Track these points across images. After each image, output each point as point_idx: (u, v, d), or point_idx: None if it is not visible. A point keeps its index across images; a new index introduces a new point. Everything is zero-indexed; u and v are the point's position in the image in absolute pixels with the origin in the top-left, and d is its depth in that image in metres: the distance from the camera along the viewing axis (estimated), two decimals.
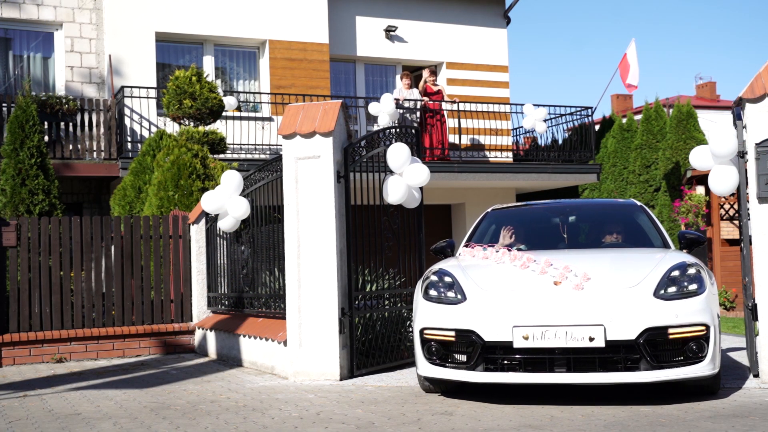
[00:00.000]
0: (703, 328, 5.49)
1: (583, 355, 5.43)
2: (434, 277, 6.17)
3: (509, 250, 6.46)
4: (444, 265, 6.44)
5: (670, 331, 5.43)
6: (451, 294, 5.96)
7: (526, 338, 5.48)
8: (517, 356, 5.56)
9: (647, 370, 5.39)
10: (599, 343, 5.38)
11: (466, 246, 7.06)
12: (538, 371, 5.51)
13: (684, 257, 6.04)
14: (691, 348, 5.47)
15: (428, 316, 5.98)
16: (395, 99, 14.27)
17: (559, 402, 5.77)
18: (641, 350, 5.38)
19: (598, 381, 5.45)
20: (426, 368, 5.98)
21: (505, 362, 5.60)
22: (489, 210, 7.84)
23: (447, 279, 6.08)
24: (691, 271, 5.76)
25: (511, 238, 7.06)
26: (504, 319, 5.59)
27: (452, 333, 5.78)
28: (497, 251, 6.52)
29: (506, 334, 5.55)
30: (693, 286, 5.64)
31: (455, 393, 6.22)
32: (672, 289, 5.60)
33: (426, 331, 5.96)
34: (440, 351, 5.88)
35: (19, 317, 9.17)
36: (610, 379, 5.42)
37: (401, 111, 14.35)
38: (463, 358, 5.76)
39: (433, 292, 6.07)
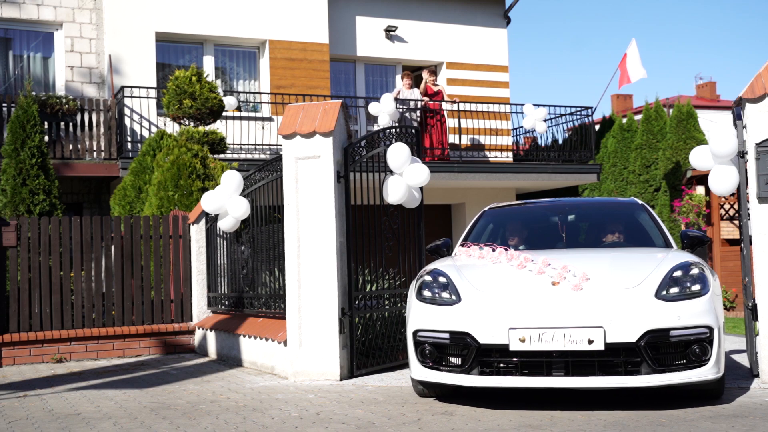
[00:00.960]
0: (706, 330, 5.34)
1: (582, 358, 5.28)
2: (428, 277, 6.03)
3: (506, 250, 6.33)
4: (439, 264, 6.30)
5: (672, 333, 5.28)
6: (445, 295, 5.82)
7: (523, 341, 5.33)
8: (514, 359, 5.40)
9: (648, 374, 5.24)
10: (598, 345, 5.23)
11: (462, 245, 6.92)
12: (536, 375, 5.36)
13: (687, 257, 5.90)
14: (694, 351, 5.32)
15: (422, 317, 5.84)
16: (395, 97, 14.27)
17: (559, 402, 5.76)
18: (642, 353, 5.24)
19: (597, 385, 5.31)
20: (419, 371, 5.84)
21: (501, 365, 5.45)
22: (486, 209, 7.71)
23: (441, 279, 5.94)
24: (694, 271, 5.61)
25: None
26: (500, 321, 5.44)
27: (446, 335, 5.64)
28: (494, 251, 6.39)
29: (502, 336, 5.40)
30: (696, 287, 5.49)
31: (453, 394, 6.19)
32: (674, 290, 5.45)
33: (419, 333, 5.82)
34: (434, 354, 5.73)
35: (19, 317, 9.17)
36: (610, 383, 5.28)
37: (401, 110, 14.34)
38: (457, 361, 5.61)
39: (426, 293, 5.93)
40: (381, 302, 7.73)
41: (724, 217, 14.35)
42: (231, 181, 8.49)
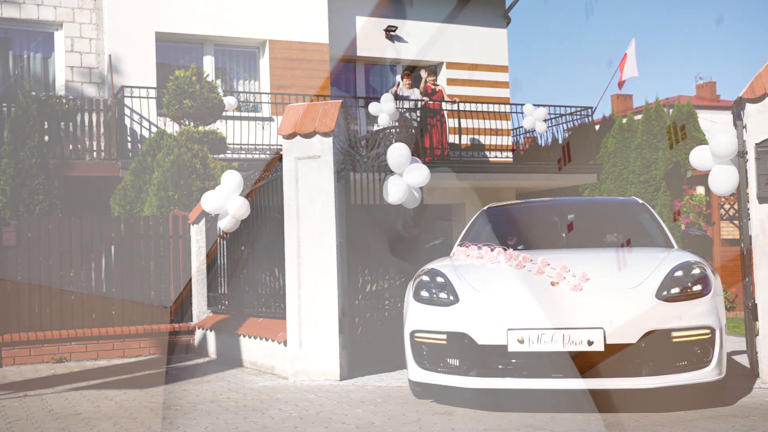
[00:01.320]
0: (708, 331, 5.29)
1: (582, 359, 5.22)
2: (426, 278, 5.97)
3: (505, 250, 6.28)
4: (436, 264, 6.24)
5: (674, 334, 5.22)
6: (443, 295, 5.76)
7: (522, 342, 5.27)
8: (513, 360, 5.34)
9: (649, 376, 5.17)
10: (599, 346, 5.16)
11: (461, 245, 6.85)
12: (535, 376, 5.31)
13: (688, 256, 5.84)
14: (696, 352, 5.26)
15: (419, 318, 5.79)
16: (393, 92, 14.27)
17: (559, 402, 5.75)
18: (643, 354, 5.19)
19: (597, 387, 5.26)
20: (417, 373, 5.79)
21: (500, 367, 5.39)
22: (485, 208, 7.64)
23: (439, 279, 5.87)
24: (696, 270, 5.55)
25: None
26: (498, 322, 5.38)
27: (444, 336, 5.58)
28: (492, 250, 6.33)
29: (500, 337, 5.33)
30: (697, 287, 5.44)
31: (452, 394, 6.17)
32: (675, 290, 5.40)
33: (417, 334, 5.78)
34: (432, 355, 5.68)
35: (19, 317, 9.17)
36: (610, 384, 5.22)
37: (401, 110, 14.33)
38: (455, 362, 5.55)
39: (424, 293, 5.87)
40: (381, 302, 7.72)
41: (724, 217, 14.34)
42: (231, 181, 8.49)
